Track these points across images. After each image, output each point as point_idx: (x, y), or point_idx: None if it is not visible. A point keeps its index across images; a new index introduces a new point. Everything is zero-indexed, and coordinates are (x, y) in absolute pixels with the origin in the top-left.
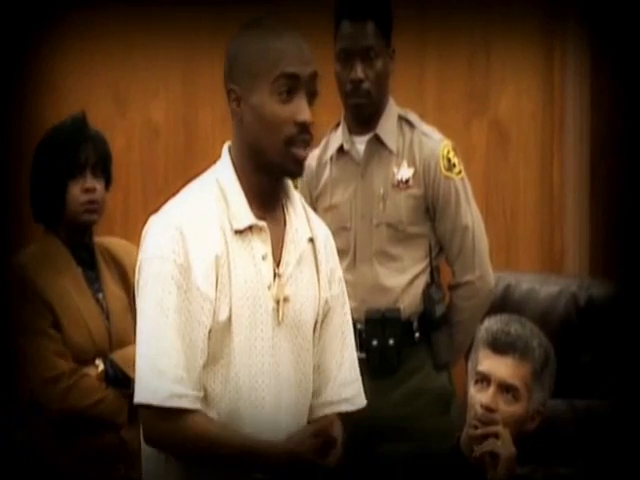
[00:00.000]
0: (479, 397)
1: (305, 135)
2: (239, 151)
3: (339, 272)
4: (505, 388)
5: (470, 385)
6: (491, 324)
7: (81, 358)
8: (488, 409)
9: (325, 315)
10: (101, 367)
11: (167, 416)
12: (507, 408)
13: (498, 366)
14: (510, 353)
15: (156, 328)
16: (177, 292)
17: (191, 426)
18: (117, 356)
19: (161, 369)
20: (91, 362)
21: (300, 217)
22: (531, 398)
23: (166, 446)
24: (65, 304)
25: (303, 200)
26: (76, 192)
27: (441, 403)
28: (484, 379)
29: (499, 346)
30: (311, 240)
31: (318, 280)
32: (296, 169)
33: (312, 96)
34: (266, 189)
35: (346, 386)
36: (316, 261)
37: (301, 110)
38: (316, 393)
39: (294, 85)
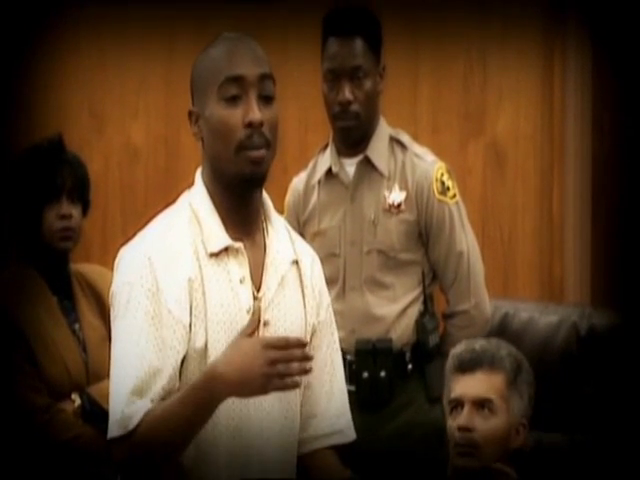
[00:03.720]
0: (455, 422)
1: (257, 138)
2: (207, 173)
3: (327, 298)
4: (479, 404)
5: (447, 418)
6: (456, 349)
7: (57, 392)
8: (464, 429)
9: (312, 342)
10: (78, 402)
11: (126, 439)
12: (486, 424)
13: (469, 385)
14: (478, 368)
15: (126, 357)
16: (144, 318)
17: (142, 432)
18: (94, 390)
19: (131, 400)
20: (67, 396)
21: (283, 240)
22: (509, 409)
23: (139, 466)
24: (40, 336)
25: (286, 223)
26: (51, 218)
27: (435, 437)
28: (458, 404)
29: (466, 365)
30: (295, 262)
31: (304, 305)
32: (252, 170)
33: (266, 100)
34: (240, 209)
35: (337, 418)
36: (301, 285)
37: (249, 111)
38: (305, 425)
39: (241, 88)
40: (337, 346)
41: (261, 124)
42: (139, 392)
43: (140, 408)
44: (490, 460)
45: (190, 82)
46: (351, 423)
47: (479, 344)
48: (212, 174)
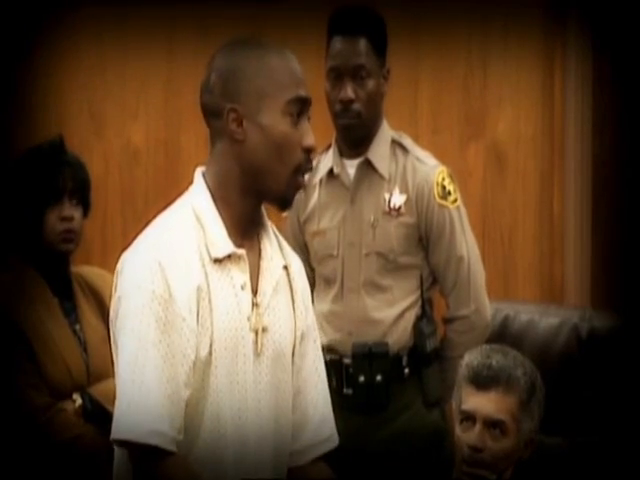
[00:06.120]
0: (465, 437)
1: (309, 164)
2: (221, 175)
3: (310, 304)
4: (491, 424)
5: (456, 425)
6: (471, 359)
7: (58, 392)
8: (475, 449)
9: (300, 347)
10: (79, 402)
11: (145, 454)
12: (495, 444)
13: (482, 403)
14: (493, 387)
15: (135, 363)
16: (156, 324)
17: (168, 469)
18: (96, 391)
19: (141, 405)
20: (68, 396)
21: (274, 245)
22: (520, 430)
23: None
24: (41, 336)
25: (274, 227)
26: (53, 220)
27: (433, 441)
28: (469, 418)
29: (481, 381)
30: (285, 268)
31: (294, 309)
32: (292, 199)
33: (308, 121)
34: (246, 217)
35: (322, 425)
36: (291, 290)
37: (307, 134)
38: (295, 436)
39: (303, 109)
40: (320, 353)
41: (315, 150)
42: (163, 404)
43: (166, 431)
44: (497, 473)
45: (225, 78)
46: (334, 429)
47: (496, 359)
48: (237, 179)
